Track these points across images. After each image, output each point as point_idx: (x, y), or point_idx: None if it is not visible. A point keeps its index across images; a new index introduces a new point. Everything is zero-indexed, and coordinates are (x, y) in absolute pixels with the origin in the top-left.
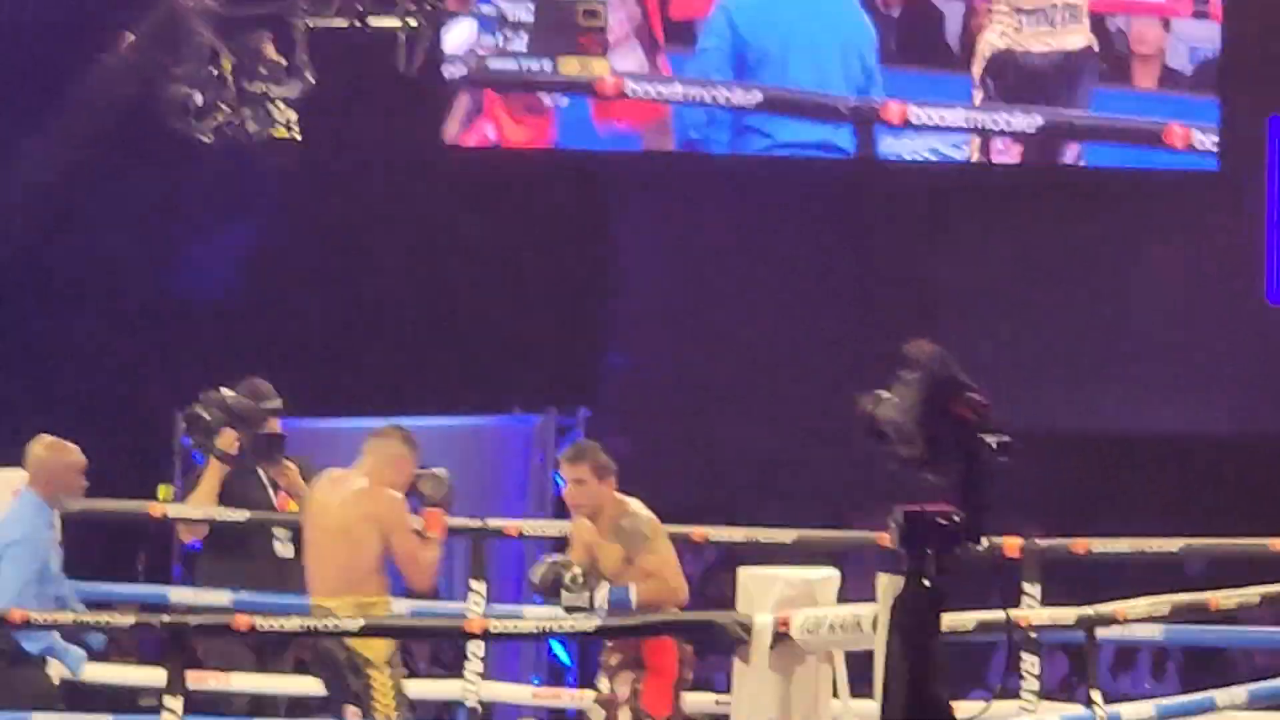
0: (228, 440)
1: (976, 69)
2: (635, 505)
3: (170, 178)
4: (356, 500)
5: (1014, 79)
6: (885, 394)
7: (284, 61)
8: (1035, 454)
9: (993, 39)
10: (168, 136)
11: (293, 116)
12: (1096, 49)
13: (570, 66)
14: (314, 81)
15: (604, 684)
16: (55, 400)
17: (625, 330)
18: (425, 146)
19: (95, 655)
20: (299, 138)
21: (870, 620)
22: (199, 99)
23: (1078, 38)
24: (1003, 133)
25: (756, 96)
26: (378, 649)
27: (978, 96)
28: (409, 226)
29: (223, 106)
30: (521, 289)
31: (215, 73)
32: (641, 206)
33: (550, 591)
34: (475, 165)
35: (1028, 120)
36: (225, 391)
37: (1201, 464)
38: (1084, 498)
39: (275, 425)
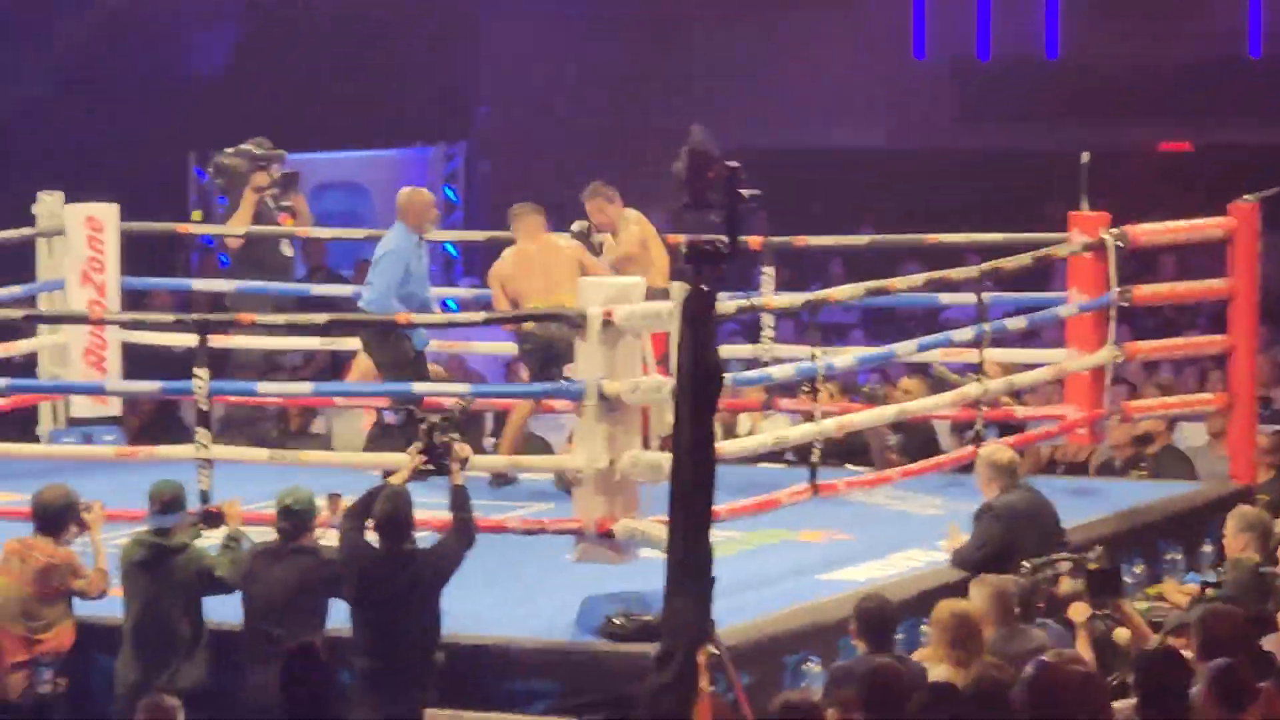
0: (260, 179)
1: None
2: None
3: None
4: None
5: None
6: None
7: None
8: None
9: None
10: None
11: None
12: None
13: None
14: None
15: None
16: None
17: (489, 90)
18: None
19: None
20: None
21: (668, 313)
22: None
23: None
24: None
25: None
26: None
27: None
28: (343, 21)
29: None
30: (418, 56)
31: None
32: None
33: None
34: None
35: None
36: (243, 146)
37: (868, 169)
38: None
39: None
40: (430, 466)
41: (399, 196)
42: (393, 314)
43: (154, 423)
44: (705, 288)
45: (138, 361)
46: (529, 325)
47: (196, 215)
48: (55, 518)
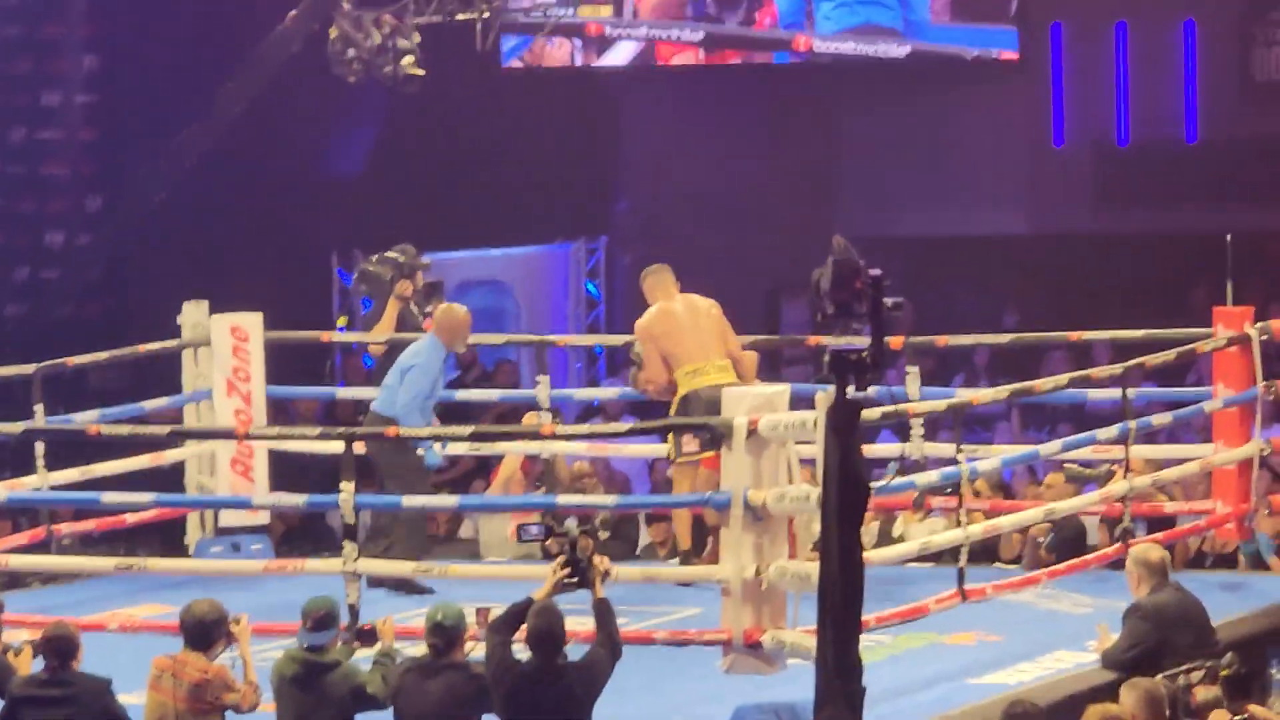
0: (404, 287)
1: None
2: None
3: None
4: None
5: None
6: (818, 271)
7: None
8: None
9: None
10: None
11: (411, 58)
12: None
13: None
14: (420, 39)
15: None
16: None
17: (628, 184)
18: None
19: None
20: (423, 72)
21: (812, 422)
22: (350, 53)
23: None
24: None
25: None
26: None
27: None
28: (482, 120)
29: (363, 57)
30: (557, 152)
31: (363, 38)
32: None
33: None
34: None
35: None
36: (389, 254)
37: (1010, 255)
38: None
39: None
40: (573, 580)
41: (436, 312)
42: (415, 425)
43: (300, 528)
44: (850, 396)
45: (285, 467)
46: (686, 390)
47: (342, 320)
48: (205, 633)
